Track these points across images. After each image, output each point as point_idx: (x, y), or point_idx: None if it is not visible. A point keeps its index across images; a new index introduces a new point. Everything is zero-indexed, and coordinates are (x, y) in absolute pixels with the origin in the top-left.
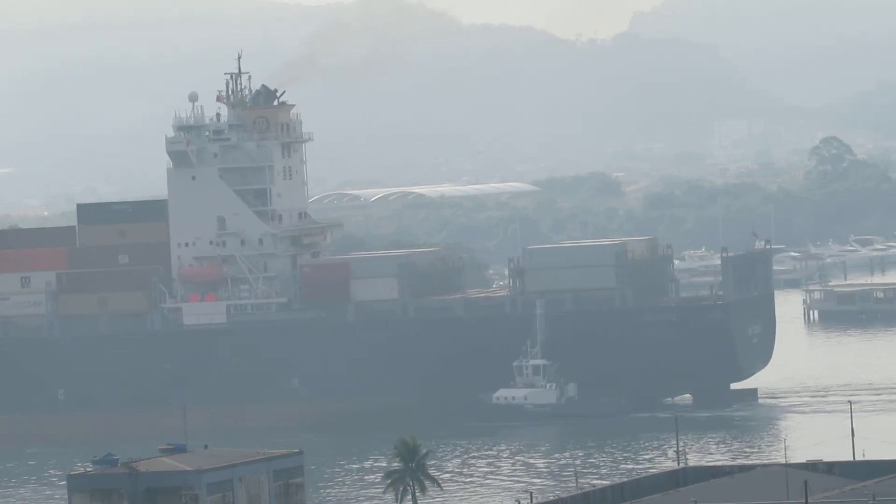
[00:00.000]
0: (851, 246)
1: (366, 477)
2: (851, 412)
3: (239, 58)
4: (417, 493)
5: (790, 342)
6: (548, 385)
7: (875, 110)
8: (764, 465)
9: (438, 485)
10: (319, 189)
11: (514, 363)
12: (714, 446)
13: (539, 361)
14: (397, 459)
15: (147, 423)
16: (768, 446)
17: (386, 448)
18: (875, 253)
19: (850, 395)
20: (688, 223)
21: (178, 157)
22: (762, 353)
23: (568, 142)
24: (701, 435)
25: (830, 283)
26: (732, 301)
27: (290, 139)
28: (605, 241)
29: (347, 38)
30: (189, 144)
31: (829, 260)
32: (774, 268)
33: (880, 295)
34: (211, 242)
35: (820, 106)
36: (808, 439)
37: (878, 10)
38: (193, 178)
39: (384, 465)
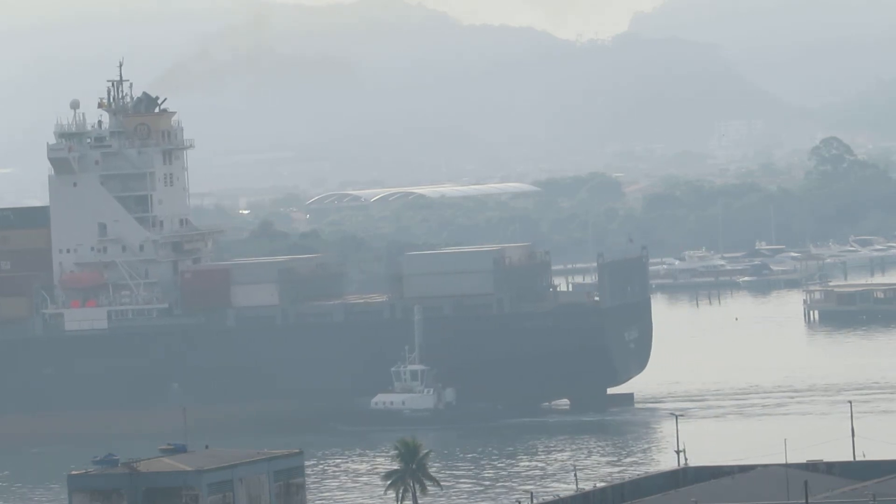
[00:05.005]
0: (851, 246)
1: (365, 477)
2: (852, 413)
3: (120, 65)
4: (418, 494)
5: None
6: (426, 390)
7: (875, 110)
8: (764, 466)
9: (439, 485)
10: (320, 189)
11: (393, 368)
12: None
13: (417, 367)
14: (397, 460)
15: (29, 428)
16: (645, 450)
17: (386, 448)
18: (875, 253)
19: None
20: (688, 223)
21: (60, 164)
22: (639, 358)
23: (568, 142)
24: (577, 438)
25: (830, 284)
26: (608, 306)
27: (172, 146)
28: (483, 248)
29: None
30: (71, 151)
31: (829, 260)
32: (774, 268)
33: (880, 295)
34: (92, 249)
35: (820, 106)
36: (804, 440)
37: (877, 9)
38: (75, 184)
39: (384, 465)
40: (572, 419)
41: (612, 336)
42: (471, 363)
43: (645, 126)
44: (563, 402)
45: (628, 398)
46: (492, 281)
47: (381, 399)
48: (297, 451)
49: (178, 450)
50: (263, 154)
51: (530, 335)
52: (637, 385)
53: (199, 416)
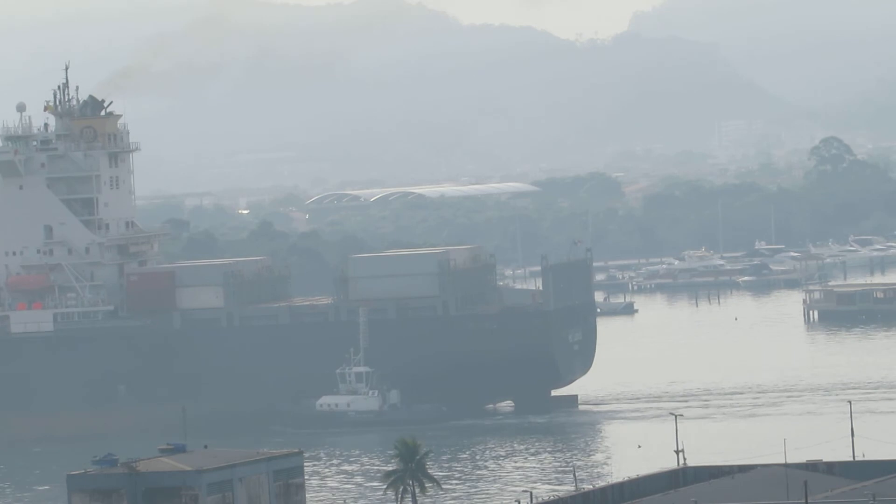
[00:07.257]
0: (851, 246)
1: (366, 477)
2: (851, 413)
3: (66, 69)
4: (417, 493)
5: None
6: (370, 392)
7: (875, 110)
8: (764, 465)
9: (438, 485)
10: (319, 189)
11: (338, 370)
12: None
13: (362, 369)
14: (397, 459)
15: None
16: (590, 450)
17: (385, 448)
18: (875, 253)
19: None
20: (688, 223)
21: (6, 167)
22: (583, 359)
23: (568, 141)
24: (524, 438)
25: (830, 284)
26: (552, 308)
27: (118, 149)
28: (428, 250)
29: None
30: (17, 154)
31: (828, 260)
32: (774, 268)
33: (880, 295)
34: (38, 251)
35: (820, 106)
36: (804, 440)
37: (877, 9)
38: (21, 187)
39: (384, 465)
40: (516, 420)
41: (556, 338)
42: (415, 365)
43: (645, 126)
44: (508, 404)
45: (572, 400)
46: (437, 283)
47: (326, 401)
48: (296, 450)
49: (178, 449)
50: (263, 154)
51: (475, 337)
52: (635, 385)
53: (144, 417)
